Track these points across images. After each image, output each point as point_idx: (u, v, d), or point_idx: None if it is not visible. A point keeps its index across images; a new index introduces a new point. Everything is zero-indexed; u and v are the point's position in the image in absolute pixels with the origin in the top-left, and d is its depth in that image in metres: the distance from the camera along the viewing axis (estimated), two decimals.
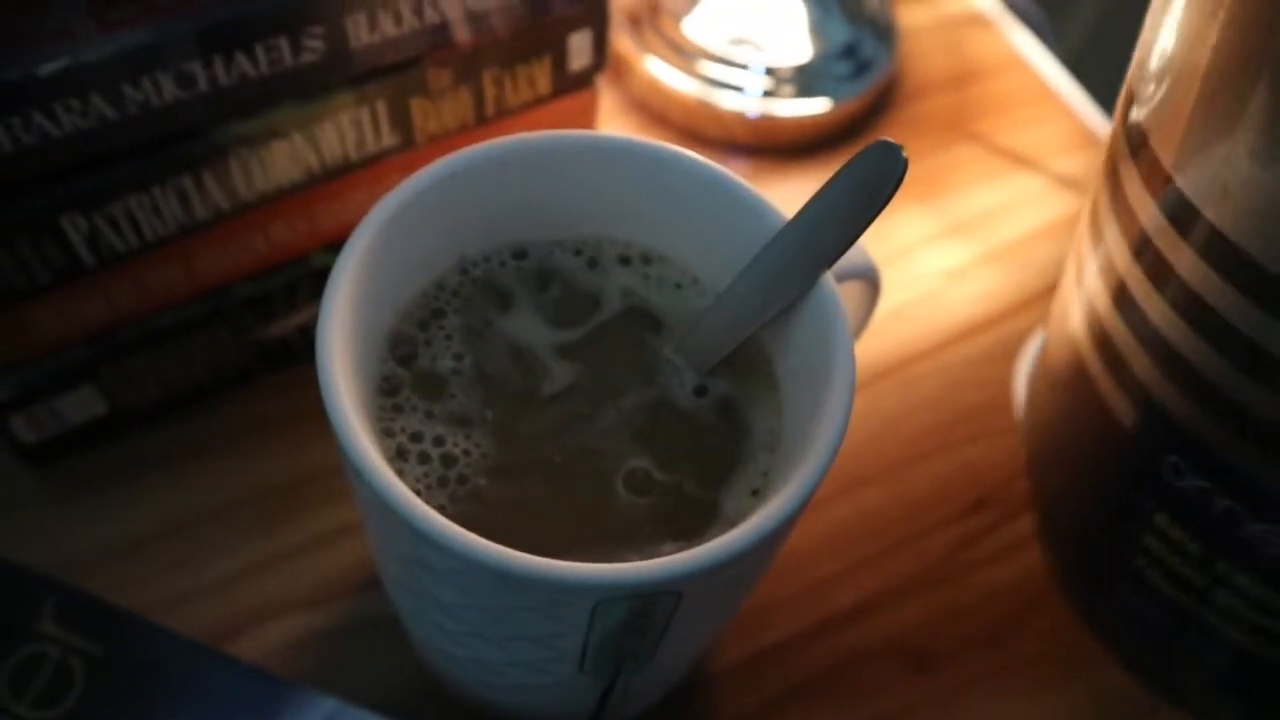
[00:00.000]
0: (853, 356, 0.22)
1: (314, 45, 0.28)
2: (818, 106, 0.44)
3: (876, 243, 0.29)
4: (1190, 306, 0.22)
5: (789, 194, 0.23)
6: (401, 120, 0.32)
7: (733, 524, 0.21)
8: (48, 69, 0.25)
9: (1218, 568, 0.24)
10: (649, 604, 0.20)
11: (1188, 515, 0.23)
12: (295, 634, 0.32)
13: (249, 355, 0.35)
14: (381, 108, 0.31)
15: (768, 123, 0.44)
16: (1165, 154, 0.22)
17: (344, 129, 0.31)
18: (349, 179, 0.32)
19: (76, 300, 0.30)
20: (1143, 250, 0.23)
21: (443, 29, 0.30)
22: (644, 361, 0.25)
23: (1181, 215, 0.22)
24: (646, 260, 0.27)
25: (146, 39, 0.26)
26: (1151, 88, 0.23)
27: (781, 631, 0.34)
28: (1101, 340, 0.24)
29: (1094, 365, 0.25)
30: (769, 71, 0.44)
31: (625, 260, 0.27)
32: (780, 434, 0.24)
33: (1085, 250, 0.27)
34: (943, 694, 0.33)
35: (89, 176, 0.28)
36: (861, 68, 0.46)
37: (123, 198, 0.28)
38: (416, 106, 0.32)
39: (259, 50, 0.27)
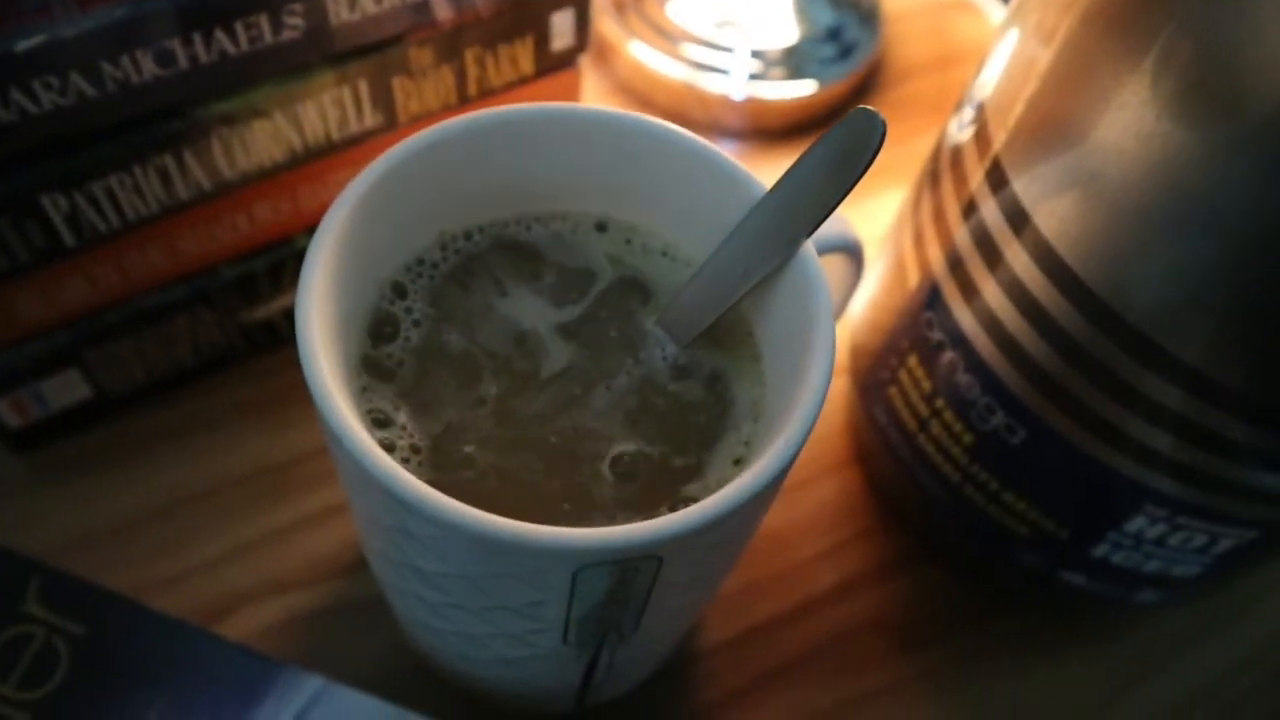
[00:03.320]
0: (833, 325, 0.22)
1: (294, 23, 0.28)
2: (803, 89, 0.44)
3: (860, 223, 0.29)
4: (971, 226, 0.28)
5: (775, 176, 0.23)
6: (384, 100, 0.32)
7: (715, 491, 0.21)
8: (25, 45, 0.25)
9: (936, 402, 0.30)
10: (630, 570, 0.20)
11: (928, 359, 0.30)
12: (281, 615, 0.32)
13: (233, 338, 0.35)
14: (363, 87, 0.31)
15: (753, 105, 0.44)
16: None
17: (326, 108, 0.31)
18: (332, 159, 0.32)
19: (58, 282, 0.30)
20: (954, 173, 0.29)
21: (424, 7, 0.30)
22: (630, 335, 0.25)
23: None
24: (628, 230, 0.27)
25: (125, 15, 0.26)
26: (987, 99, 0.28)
27: (767, 611, 0.34)
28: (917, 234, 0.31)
29: (906, 245, 0.32)
30: (754, 54, 0.44)
31: (602, 227, 0.27)
32: (763, 404, 0.24)
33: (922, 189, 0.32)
34: (930, 670, 0.33)
35: (69, 155, 0.28)
36: (846, 51, 0.46)
37: (103, 177, 0.28)
38: (398, 86, 0.32)
39: (239, 27, 0.27)
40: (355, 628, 0.32)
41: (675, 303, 0.25)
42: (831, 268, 0.28)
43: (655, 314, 0.25)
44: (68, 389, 0.33)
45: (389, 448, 0.23)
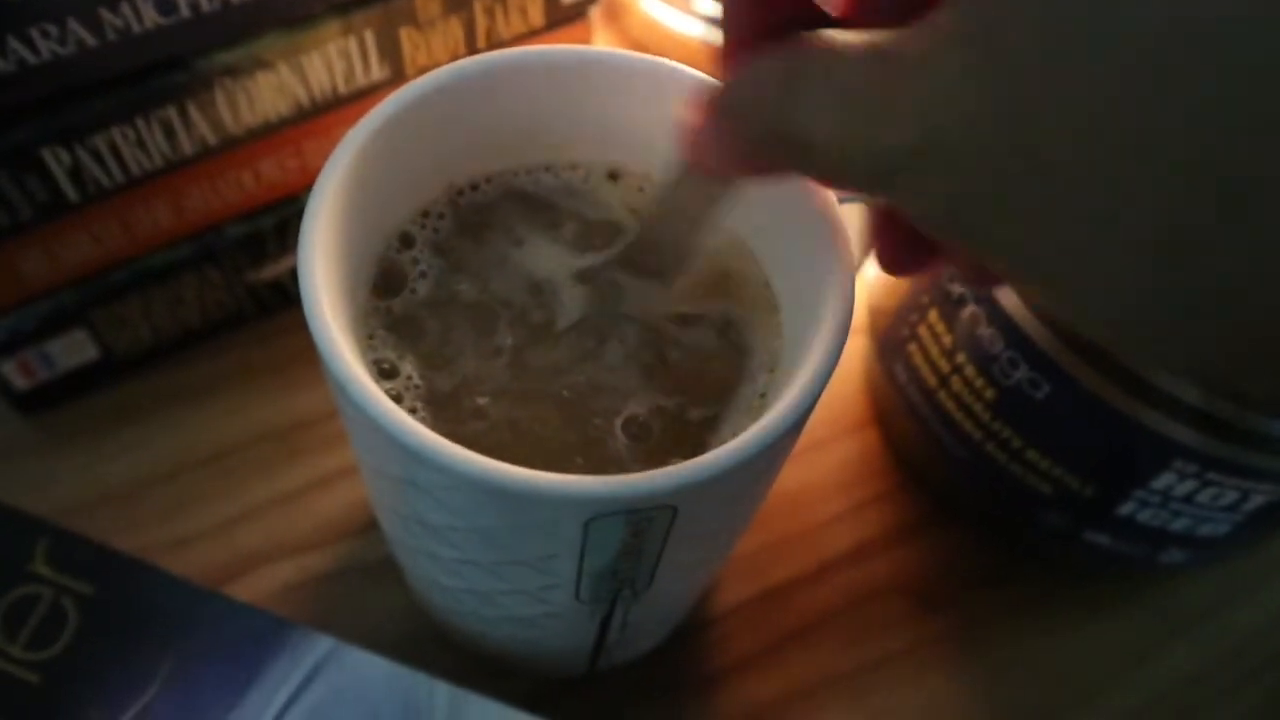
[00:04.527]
0: (852, 273, 0.22)
1: None
2: None
3: None
4: None
5: None
6: (391, 51, 0.31)
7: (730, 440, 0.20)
8: None
9: (957, 358, 0.29)
10: (644, 521, 0.19)
11: (950, 313, 0.29)
12: (292, 577, 0.32)
13: (241, 298, 0.35)
14: (370, 38, 0.30)
15: None
16: None
17: (332, 60, 0.30)
18: (339, 113, 0.32)
19: (63, 239, 0.30)
20: None
21: None
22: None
23: None
24: (642, 178, 0.26)
25: None
26: None
27: (784, 573, 0.33)
28: None
29: None
30: None
31: (614, 176, 0.26)
32: (780, 355, 0.24)
33: None
34: (950, 633, 0.33)
35: (70, 107, 0.27)
36: None
37: (105, 129, 0.28)
38: (406, 37, 0.31)
39: None
40: (366, 589, 0.32)
41: (641, 239, 0.24)
42: (849, 218, 0.27)
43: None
44: (75, 350, 0.33)
45: (396, 398, 0.22)
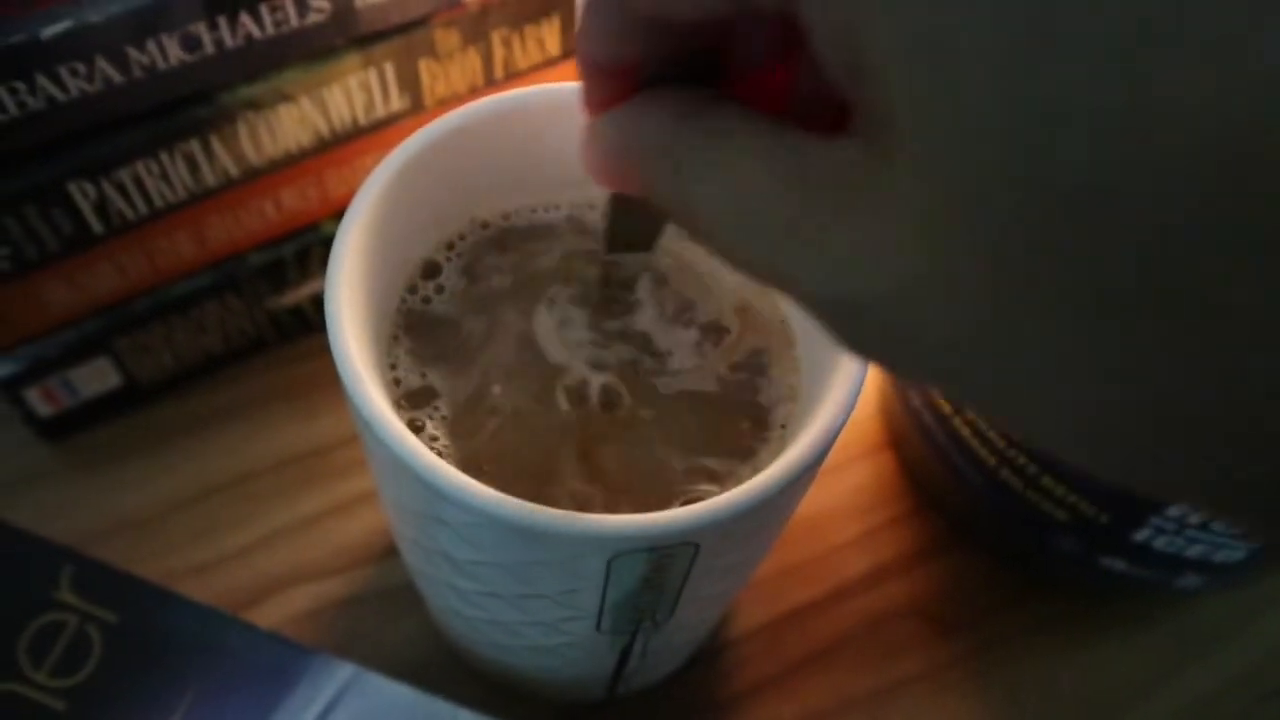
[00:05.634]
0: None
1: (319, 5, 0.28)
2: None
3: None
4: None
5: None
6: (410, 83, 0.31)
7: (750, 478, 0.20)
8: (51, 32, 0.25)
9: None
10: (666, 557, 0.20)
11: None
12: (312, 603, 0.32)
13: (262, 325, 0.35)
14: (389, 70, 0.31)
15: None
16: None
17: (352, 92, 0.30)
18: (358, 143, 0.32)
19: (88, 270, 0.30)
20: None
21: None
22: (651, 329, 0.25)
23: None
24: None
25: (151, 0, 0.25)
26: None
27: (800, 597, 0.34)
28: None
29: None
30: None
31: None
32: (799, 389, 0.24)
33: None
34: (966, 656, 0.33)
35: (96, 142, 0.27)
36: None
37: (130, 164, 0.28)
38: (425, 68, 0.31)
39: (263, 11, 0.27)
40: (386, 615, 0.32)
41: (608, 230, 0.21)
42: None
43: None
44: (98, 377, 0.33)
45: (418, 428, 0.22)
